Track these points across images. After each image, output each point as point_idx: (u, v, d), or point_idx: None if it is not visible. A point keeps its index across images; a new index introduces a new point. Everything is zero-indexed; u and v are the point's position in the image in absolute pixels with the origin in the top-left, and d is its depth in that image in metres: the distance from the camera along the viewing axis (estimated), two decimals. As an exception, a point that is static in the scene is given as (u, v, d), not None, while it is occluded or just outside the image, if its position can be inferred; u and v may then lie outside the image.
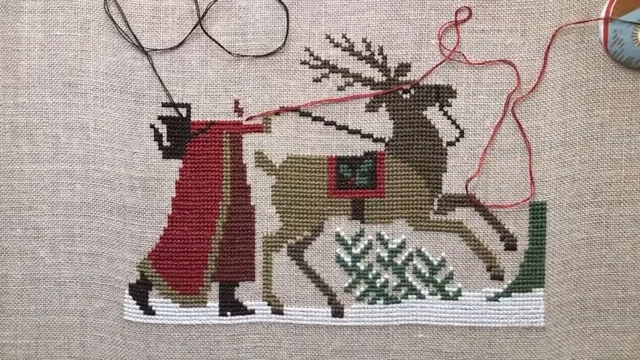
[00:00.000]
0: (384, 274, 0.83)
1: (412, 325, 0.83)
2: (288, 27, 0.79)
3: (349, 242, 0.82)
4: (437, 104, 0.80)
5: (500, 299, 0.82)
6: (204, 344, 0.84)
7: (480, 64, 0.79)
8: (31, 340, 0.85)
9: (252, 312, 0.84)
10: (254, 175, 0.82)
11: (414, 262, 0.82)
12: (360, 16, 0.79)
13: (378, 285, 0.83)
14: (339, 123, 0.80)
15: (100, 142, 0.81)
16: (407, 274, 0.83)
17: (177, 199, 0.81)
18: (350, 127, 0.80)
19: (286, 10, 0.79)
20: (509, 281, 0.81)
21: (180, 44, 0.80)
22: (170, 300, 0.83)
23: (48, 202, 0.83)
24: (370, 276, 0.83)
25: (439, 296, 0.82)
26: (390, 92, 0.80)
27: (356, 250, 0.82)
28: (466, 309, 0.82)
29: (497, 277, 0.82)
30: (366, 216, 0.82)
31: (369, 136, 0.81)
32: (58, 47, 0.80)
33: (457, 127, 0.80)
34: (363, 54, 0.79)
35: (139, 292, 0.83)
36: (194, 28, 0.79)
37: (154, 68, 0.80)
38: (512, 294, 0.82)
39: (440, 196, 0.81)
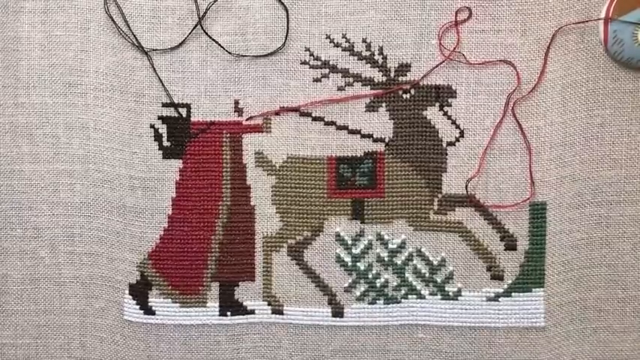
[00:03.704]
0: (384, 274, 0.83)
1: (412, 325, 0.83)
2: (288, 27, 0.79)
3: (349, 242, 0.82)
4: (437, 104, 0.80)
5: (500, 299, 0.82)
6: (204, 344, 0.84)
7: (480, 64, 0.79)
8: (31, 340, 0.85)
9: (252, 312, 0.84)
10: (254, 175, 0.82)
11: (414, 262, 0.82)
12: (360, 16, 0.79)
13: (378, 285, 0.83)
14: (339, 123, 0.80)
15: (100, 142, 0.81)
16: (407, 274, 0.83)
17: (177, 199, 0.81)
18: (350, 127, 0.80)
19: (286, 10, 0.79)
20: (509, 281, 0.82)
21: (180, 44, 0.80)
22: (170, 300, 0.83)
23: (48, 202, 0.83)
24: (370, 276, 0.83)
25: (439, 296, 0.82)
26: (390, 92, 0.80)
27: (356, 250, 0.82)
28: (466, 309, 0.82)
29: (497, 277, 0.82)
30: (366, 216, 0.82)
31: (369, 136, 0.81)
32: (58, 47, 0.80)
33: (457, 127, 0.80)
34: (363, 54, 0.79)
35: (139, 292, 0.83)
36: (194, 28, 0.79)
37: (154, 68, 0.80)
38: (512, 294, 0.82)
39: (440, 196, 0.81)
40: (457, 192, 0.81)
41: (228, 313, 0.83)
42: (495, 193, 0.80)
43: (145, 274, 0.82)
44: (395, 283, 0.83)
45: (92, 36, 0.80)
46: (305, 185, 0.81)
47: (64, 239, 0.83)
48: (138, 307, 0.83)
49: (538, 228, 0.81)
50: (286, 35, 0.79)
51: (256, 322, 0.84)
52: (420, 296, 0.83)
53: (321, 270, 0.83)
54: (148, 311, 0.83)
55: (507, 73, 0.79)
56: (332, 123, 0.80)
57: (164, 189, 0.81)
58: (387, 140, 0.81)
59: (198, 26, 0.79)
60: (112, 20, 0.80)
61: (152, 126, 0.80)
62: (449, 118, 0.80)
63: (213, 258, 0.82)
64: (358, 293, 0.83)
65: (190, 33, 0.80)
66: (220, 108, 0.81)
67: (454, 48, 0.79)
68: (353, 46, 0.79)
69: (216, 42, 0.79)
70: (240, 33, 0.80)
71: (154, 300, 0.83)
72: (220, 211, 0.82)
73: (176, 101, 0.80)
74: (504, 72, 0.79)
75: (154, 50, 0.80)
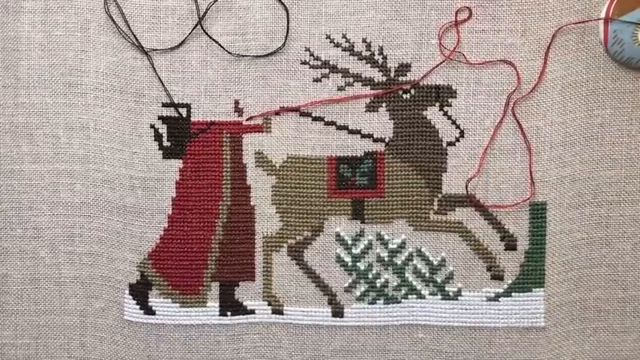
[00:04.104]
0: (384, 274, 0.83)
1: (412, 325, 0.83)
2: (288, 27, 0.79)
3: (349, 242, 0.82)
4: (437, 104, 0.80)
5: (500, 299, 0.82)
6: (204, 344, 0.84)
7: (480, 64, 0.79)
8: (31, 340, 0.85)
9: (252, 312, 0.84)
10: (254, 175, 0.82)
11: (414, 262, 0.82)
12: (360, 16, 0.79)
13: (378, 285, 0.83)
14: (339, 123, 0.80)
15: (100, 142, 0.81)
16: (407, 274, 0.83)
17: (177, 199, 0.81)
18: (350, 128, 0.80)
19: (286, 10, 0.79)
20: (510, 281, 0.82)
21: (180, 44, 0.80)
22: (170, 300, 0.83)
23: (48, 202, 0.83)
24: (370, 276, 0.83)
25: (439, 296, 0.82)
26: (390, 92, 0.80)
27: (356, 250, 0.82)
28: (466, 309, 0.82)
29: (498, 277, 0.82)
30: (366, 216, 0.82)
31: (369, 136, 0.81)
32: (58, 47, 0.80)
33: (457, 127, 0.80)
34: (363, 54, 0.79)
35: (139, 292, 0.83)
36: (194, 28, 0.79)
37: (154, 68, 0.80)
38: (513, 294, 0.82)
39: (440, 196, 0.81)
40: (457, 192, 0.81)
41: (229, 313, 0.83)
42: (495, 193, 0.80)
43: (145, 274, 0.82)
44: (395, 283, 0.83)
45: (92, 36, 0.80)
46: (305, 185, 0.81)
47: (64, 239, 0.83)
48: (138, 307, 0.83)
49: (538, 228, 0.81)
50: (286, 35, 0.79)
51: (256, 322, 0.84)
52: (420, 296, 0.83)
53: (321, 270, 0.83)
54: (148, 311, 0.83)
55: (507, 73, 0.79)
56: (332, 123, 0.80)
57: (164, 189, 0.81)
58: (387, 140, 0.81)
59: (199, 26, 0.79)
60: (112, 20, 0.80)
61: (152, 126, 0.80)
62: (449, 118, 0.80)
63: (214, 258, 0.82)
64: (358, 293, 0.83)
65: (190, 33, 0.80)
66: (220, 108, 0.81)
67: (454, 48, 0.79)
68: (353, 46, 0.79)
69: (217, 42, 0.79)
70: (241, 33, 0.80)
71: (154, 300, 0.83)
72: (220, 211, 0.82)
73: (176, 101, 0.80)
74: (504, 72, 0.79)
75: (154, 50, 0.80)
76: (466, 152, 0.80)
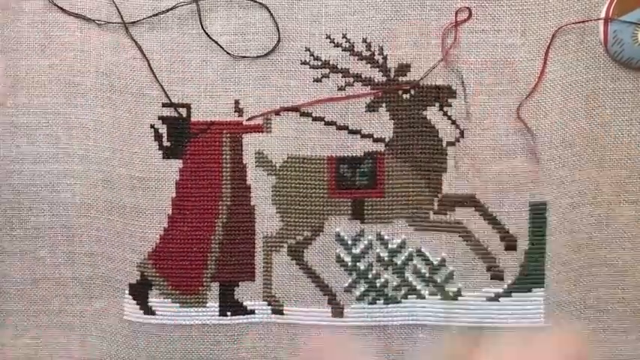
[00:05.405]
0: (384, 274, 0.83)
1: (412, 325, 0.83)
2: (277, 26, 0.79)
3: (349, 242, 0.82)
4: (437, 104, 0.80)
5: (500, 299, 0.82)
6: (204, 344, 0.84)
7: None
8: (31, 340, 0.85)
9: (252, 312, 0.83)
10: (254, 175, 0.82)
11: (414, 262, 0.82)
12: (360, 16, 0.79)
13: (378, 285, 0.83)
14: (340, 123, 0.80)
15: (100, 142, 0.81)
16: (407, 274, 0.83)
17: (177, 199, 0.81)
18: (350, 128, 0.80)
19: (268, 9, 0.79)
20: (509, 281, 0.82)
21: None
22: (170, 300, 0.83)
23: (48, 202, 0.83)
24: (370, 276, 0.83)
25: (439, 296, 0.82)
26: (390, 92, 0.80)
27: (356, 250, 0.82)
28: (466, 309, 0.82)
29: (497, 277, 0.82)
30: (366, 216, 0.82)
31: (369, 136, 0.81)
32: (58, 47, 0.80)
33: (457, 127, 0.80)
34: (363, 54, 0.79)
35: (139, 292, 0.83)
36: (194, 28, 0.79)
37: (151, 69, 0.80)
38: (513, 294, 0.82)
39: (440, 196, 0.81)
40: (457, 192, 0.81)
41: (228, 313, 0.83)
42: (495, 193, 0.80)
43: (145, 274, 0.82)
44: (395, 283, 0.83)
45: (92, 36, 0.80)
46: (305, 185, 0.81)
47: (64, 239, 0.83)
48: (138, 307, 0.83)
49: (538, 228, 0.81)
50: (278, 35, 0.79)
51: (256, 322, 0.84)
52: (420, 296, 0.83)
53: (321, 270, 0.83)
54: (148, 311, 0.83)
55: (507, 73, 0.79)
56: (332, 123, 0.80)
57: (164, 189, 0.81)
58: (387, 140, 0.81)
59: (199, 26, 0.79)
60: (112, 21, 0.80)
61: (152, 126, 0.80)
62: (449, 118, 0.80)
63: (213, 258, 0.82)
64: (358, 293, 0.83)
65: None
66: (220, 108, 0.81)
67: (450, 47, 0.79)
68: (353, 46, 0.79)
69: (216, 42, 0.79)
70: (240, 33, 0.80)
71: (154, 300, 0.83)
72: (220, 211, 0.82)
73: (176, 101, 0.80)
74: (504, 72, 0.79)
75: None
76: (466, 152, 0.80)
